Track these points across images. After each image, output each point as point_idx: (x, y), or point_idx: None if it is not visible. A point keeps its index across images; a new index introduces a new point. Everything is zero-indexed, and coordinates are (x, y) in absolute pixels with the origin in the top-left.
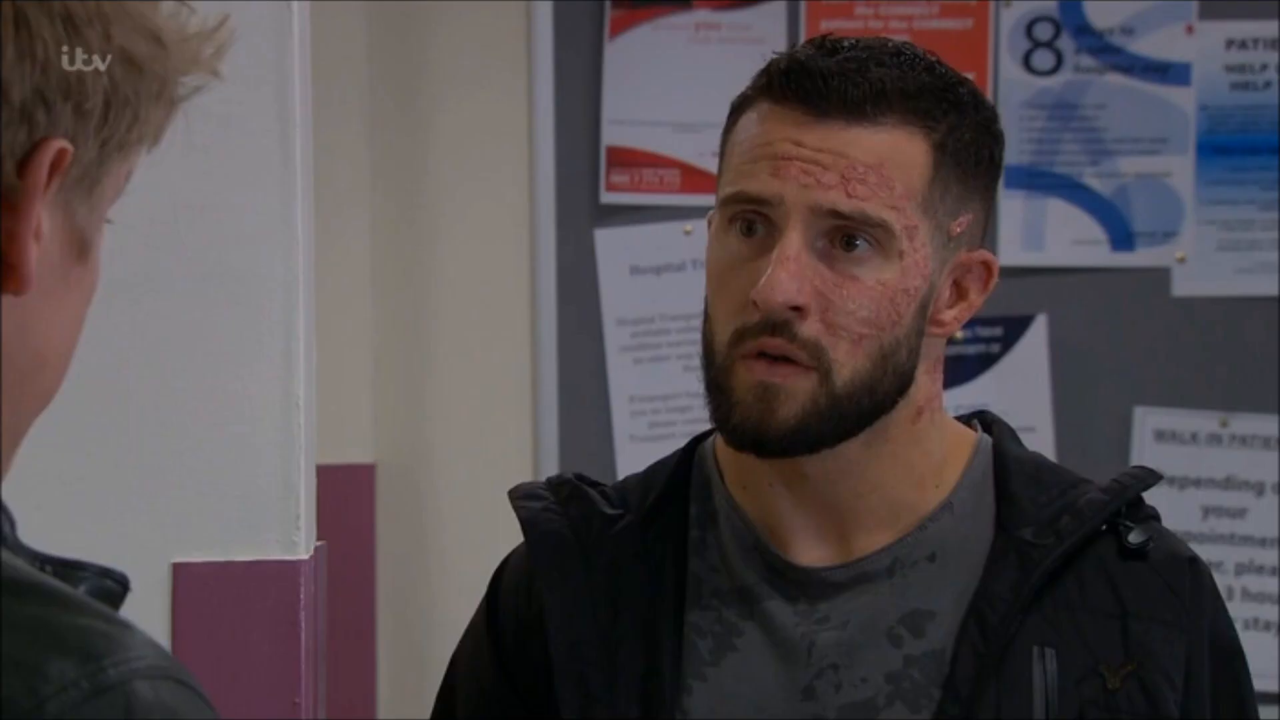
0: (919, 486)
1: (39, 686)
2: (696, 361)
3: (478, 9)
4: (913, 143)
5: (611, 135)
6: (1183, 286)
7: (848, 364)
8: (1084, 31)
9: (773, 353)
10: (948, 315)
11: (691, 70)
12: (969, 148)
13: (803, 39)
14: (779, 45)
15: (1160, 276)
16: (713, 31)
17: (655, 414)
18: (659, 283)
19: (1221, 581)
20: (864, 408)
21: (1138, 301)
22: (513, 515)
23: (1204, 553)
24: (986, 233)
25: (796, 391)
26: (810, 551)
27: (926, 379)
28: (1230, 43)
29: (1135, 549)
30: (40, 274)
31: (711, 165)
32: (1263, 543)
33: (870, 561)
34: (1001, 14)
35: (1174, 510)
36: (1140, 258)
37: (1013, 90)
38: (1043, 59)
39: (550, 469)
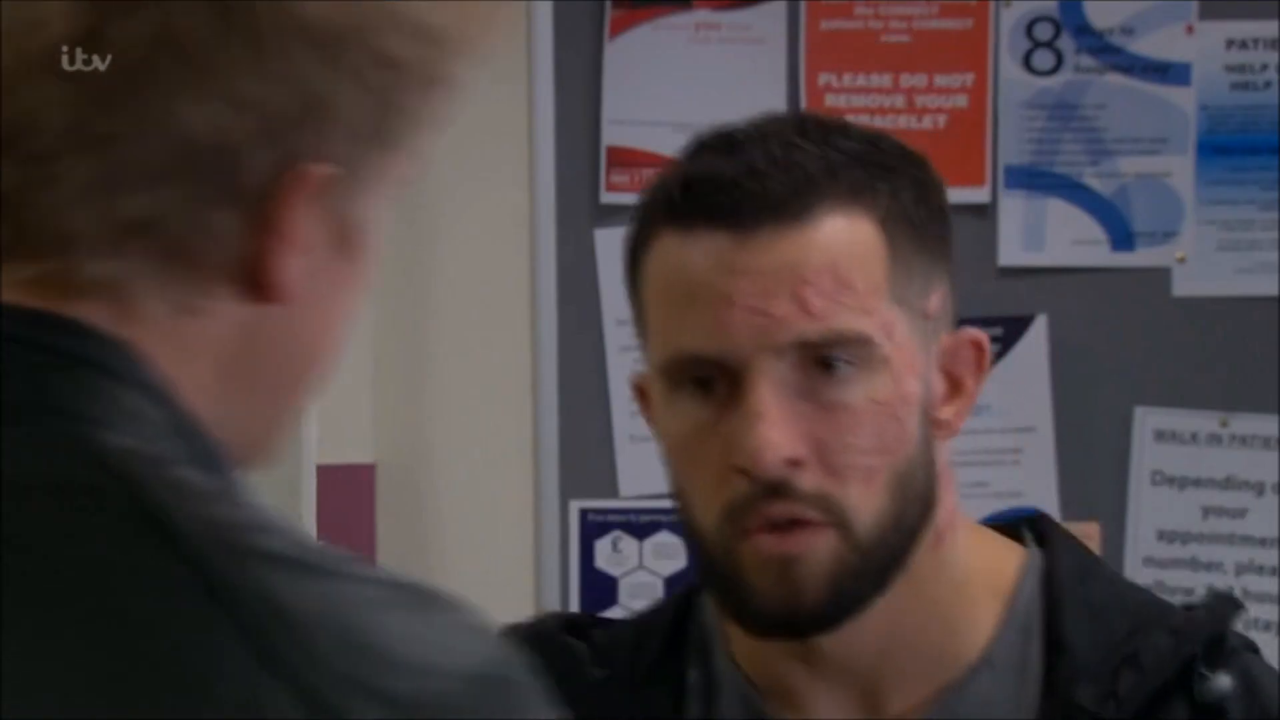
0: (952, 633)
1: None
2: None
3: (476, 9)
4: (859, 226)
5: (611, 135)
6: (1183, 286)
7: (865, 506)
8: (1084, 31)
9: (781, 520)
10: (946, 412)
11: (691, 70)
12: (916, 209)
13: (803, 39)
14: (779, 45)
15: (1160, 276)
16: (713, 31)
17: None
18: None
19: (1221, 582)
20: (896, 550)
21: (1138, 301)
22: (515, 516)
23: (1204, 553)
24: (957, 305)
25: (819, 555)
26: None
27: (940, 492)
28: (1230, 43)
29: (1211, 706)
30: (304, 281)
31: None
32: (1263, 543)
33: None
34: (1001, 14)
35: (1173, 511)
36: (1140, 258)
37: (1013, 90)
38: (1043, 59)
39: (550, 469)
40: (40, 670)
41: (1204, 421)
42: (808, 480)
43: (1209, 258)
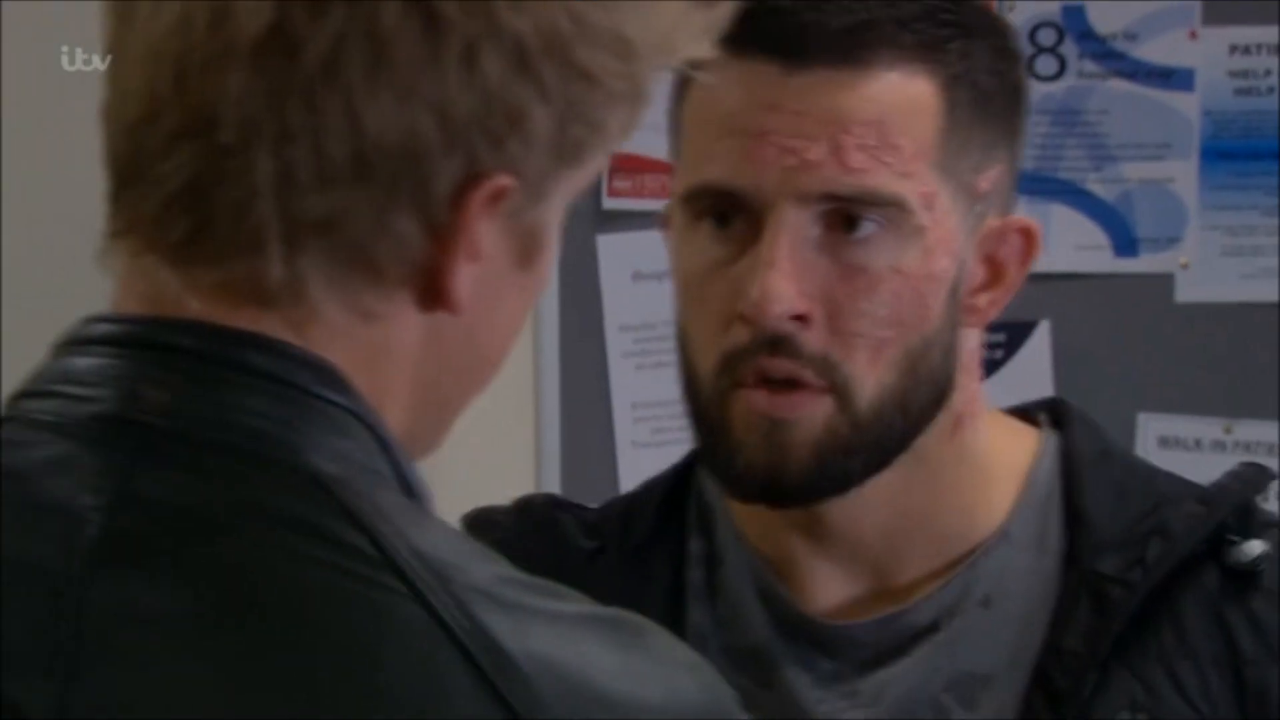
0: (966, 514)
1: None
2: None
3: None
4: (916, 84)
5: None
6: (1186, 292)
7: (869, 378)
8: (1087, 37)
9: (777, 377)
10: (982, 300)
11: None
12: (987, 79)
13: None
14: None
15: (1164, 282)
16: None
17: (658, 420)
18: (661, 288)
19: None
20: (896, 431)
21: (1141, 307)
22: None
23: None
24: (1016, 188)
25: (811, 422)
26: (834, 596)
27: (963, 379)
28: (1234, 48)
29: (1243, 571)
30: (481, 288)
31: None
32: None
33: (909, 615)
34: None
35: None
36: (1144, 264)
37: None
38: (1046, 65)
39: (552, 474)
40: (270, 700)
41: (1208, 428)
42: (812, 340)
43: (1212, 263)
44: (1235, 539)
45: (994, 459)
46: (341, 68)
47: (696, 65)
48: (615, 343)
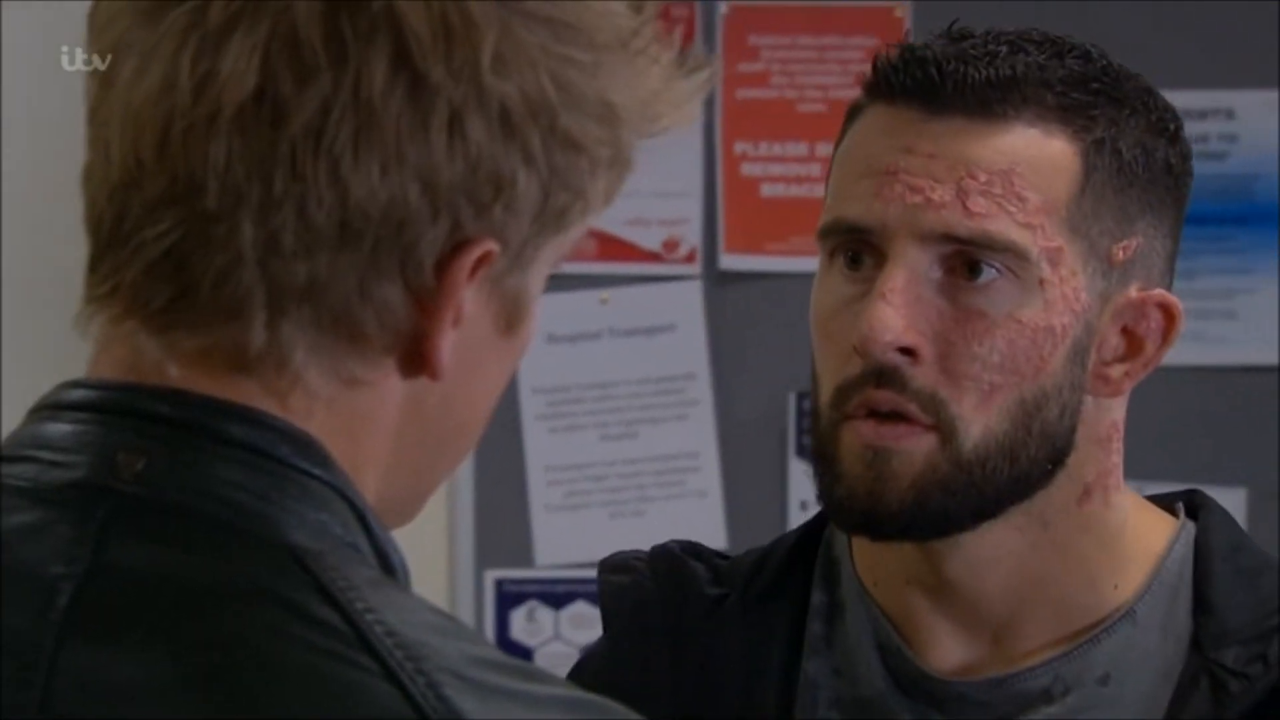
0: (1093, 587)
1: None
2: (612, 431)
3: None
4: (1053, 143)
5: None
6: None
7: (977, 422)
8: None
9: (882, 408)
10: (1117, 371)
11: None
12: (1133, 151)
13: (720, 108)
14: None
15: None
16: None
17: (572, 483)
18: (575, 351)
19: None
20: (1003, 479)
21: None
22: (430, 585)
23: None
24: (1173, 268)
25: (912, 456)
26: (951, 656)
27: (1096, 450)
28: None
29: None
30: (462, 354)
31: (630, 234)
32: None
33: (1026, 679)
34: None
35: None
36: None
37: None
38: None
39: (466, 537)
40: None
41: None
42: (921, 376)
43: None
44: None
45: (1128, 538)
46: (328, 135)
47: (855, 111)
48: (529, 405)
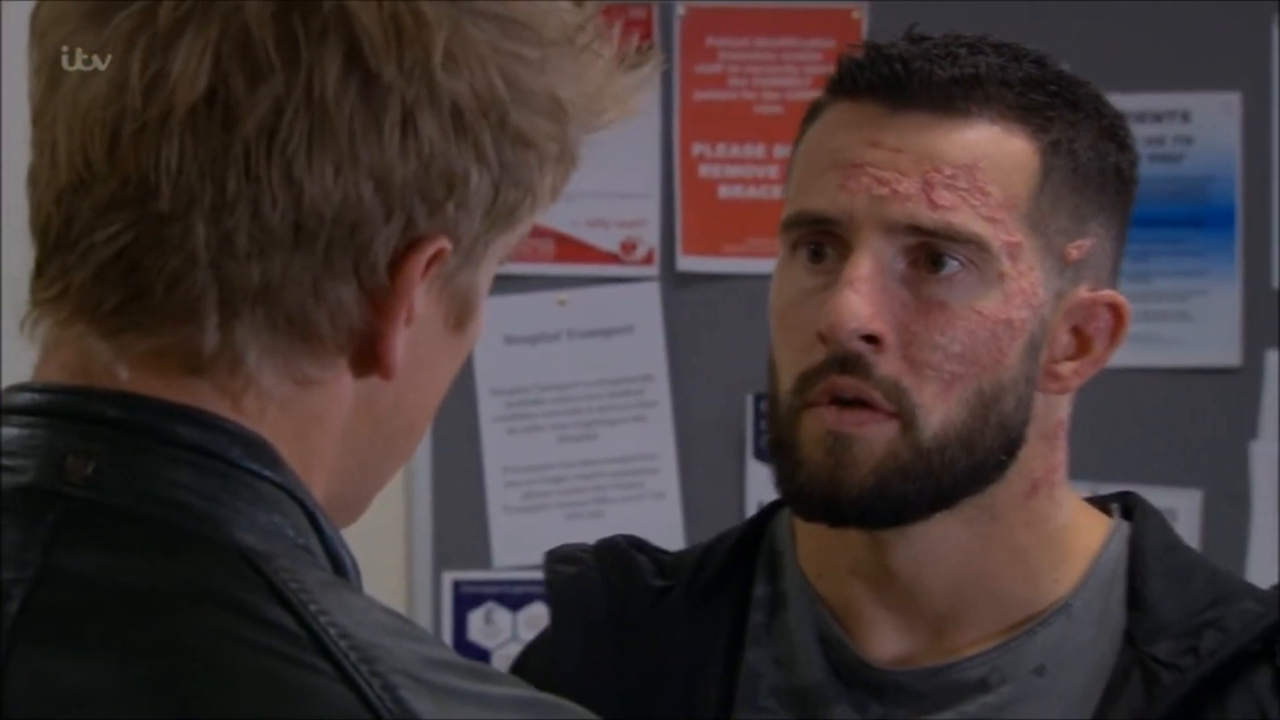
0: (1032, 580)
1: None
2: (570, 432)
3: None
4: (1014, 141)
5: None
6: None
7: (937, 410)
8: None
9: (846, 395)
10: (1066, 368)
11: None
12: (1088, 154)
13: (677, 110)
14: (653, 115)
15: None
16: None
17: (530, 485)
18: (533, 353)
19: None
20: (960, 469)
21: None
22: (387, 587)
23: None
24: (1118, 271)
25: (873, 442)
26: (891, 646)
27: (1044, 445)
28: None
29: None
30: (414, 352)
31: (588, 235)
32: None
33: (963, 669)
34: None
35: None
36: None
37: None
38: None
39: (423, 539)
40: None
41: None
42: (885, 364)
43: None
44: None
45: (1068, 534)
46: (281, 135)
47: (816, 109)
48: (487, 407)
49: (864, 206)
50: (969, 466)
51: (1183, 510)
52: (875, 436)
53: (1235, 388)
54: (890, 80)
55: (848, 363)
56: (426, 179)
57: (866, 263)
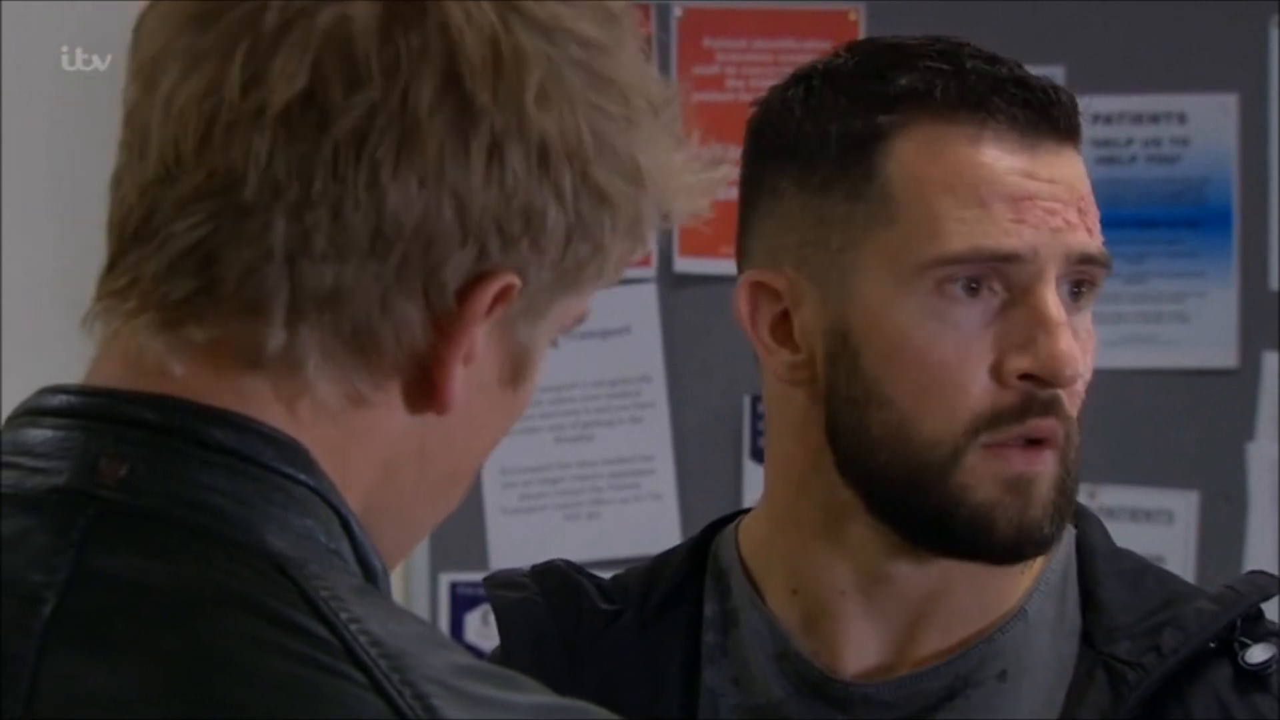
0: (990, 589)
1: None
2: (567, 433)
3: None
4: (1082, 164)
5: None
6: None
7: (1076, 439)
8: None
9: (1044, 436)
10: None
11: None
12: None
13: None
14: None
15: None
16: None
17: (526, 486)
18: None
19: None
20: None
21: None
22: (399, 580)
23: None
24: None
25: (1048, 479)
26: (860, 657)
27: None
28: (1096, 117)
29: (1254, 671)
30: (468, 395)
31: None
32: None
33: (925, 680)
34: None
35: None
36: None
37: None
38: None
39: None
40: None
41: None
42: (1067, 401)
43: None
44: (1246, 640)
45: None
46: (371, 141)
47: (893, 128)
48: None
49: (1046, 241)
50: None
51: (1180, 511)
52: (1050, 473)
53: (1232, 389)
54: (1031, 109)
55: (1051, 405)
56: (506, 210)
57: (1058, 300)
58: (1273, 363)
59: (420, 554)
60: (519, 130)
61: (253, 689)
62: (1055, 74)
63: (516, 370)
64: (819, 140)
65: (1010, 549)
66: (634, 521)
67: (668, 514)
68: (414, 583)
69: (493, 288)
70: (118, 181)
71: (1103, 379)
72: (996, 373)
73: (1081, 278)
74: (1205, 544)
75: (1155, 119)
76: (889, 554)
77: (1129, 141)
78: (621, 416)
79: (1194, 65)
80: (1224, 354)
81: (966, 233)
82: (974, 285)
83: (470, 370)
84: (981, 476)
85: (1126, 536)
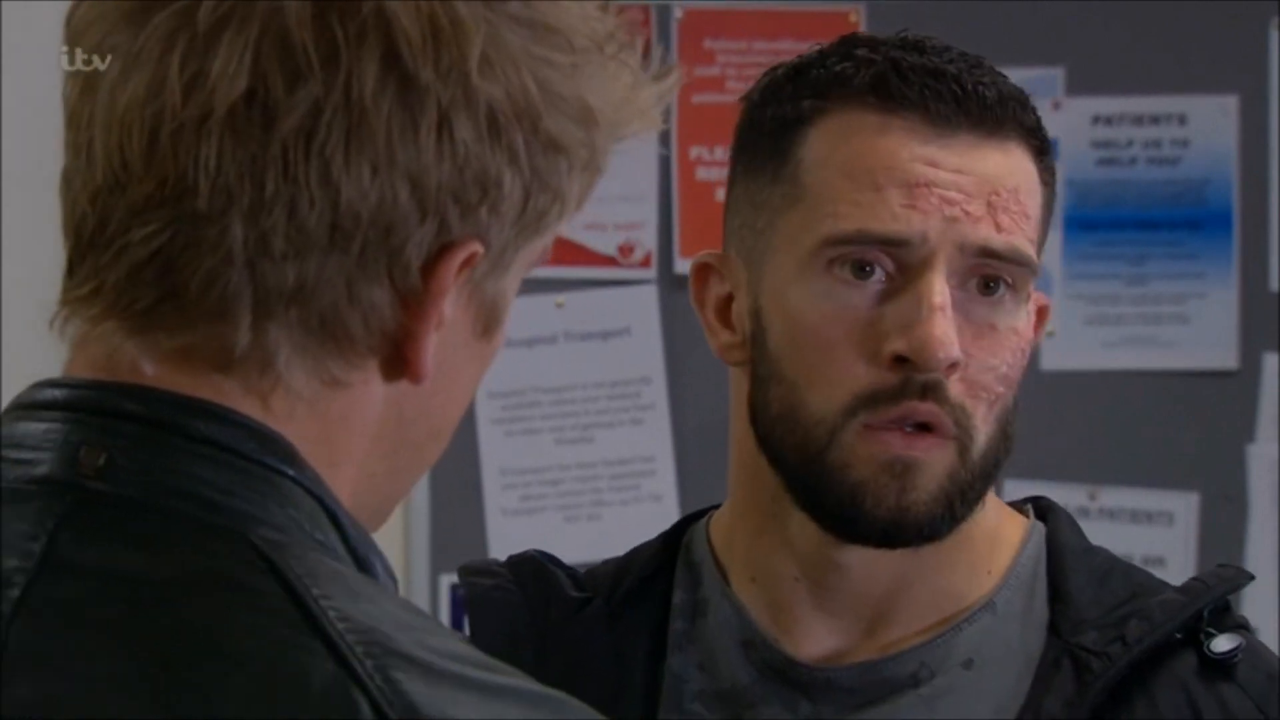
0: (962, 580)
1: None
2: (568, 435)
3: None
4: (1029, 163)
5: None
6: (1050, 361)
7: (983, 431)
8: None
9: (922, 420)
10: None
11: None
12: (1051, 165)
13: (675, 112)
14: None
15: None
16: None
17: (527, 487)
18: (530, 355)
19: None
20: (990, 482)
21: None
22: (399, 581)
23: None
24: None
25: (937, 466)
26: (823, 644)
27: None
28: (1096, 119)
29: (1219, 661)
30: (442, 357)
31: (585, 238)
32: None
33: (892, 665)
34: None
35: None
36: None
37: None
38: None
39: (421, 541)
40: None
41: (1073, 494)
42: (954, 389)
43: (1076, 332)
44: (1212, 631)
45: (986, 530)
46: (319, 136)
47: (817, 113)
48: (484, 409)
49: (938, 227)
50: (990, 479)
51: (1180, 512)
52: (939, 460)
53: (1233, 390)
54: (942, 98)
55: (929, 388)
56: (461, 182)
57: (945, 287)
58: (1273, 364)
59: (420, 555)
60: (465, 101)
61: (216, 665)
62: (1055, 75)
63: (489, 321)
64: (761, 125)
65: (885, 531)
66: (634, 523)
67: (668, 515)
68: (414, 583)
69: (457, 258)
70: (67, 183)
71: (1103, 380)
72: (875, 355)
73: (988, 272)
74: (1205, 545)
75: (1156, 120)
76: (831, 542)
77: (1129, 143)
78: (622, 418)
79: (1194, 66)
80: (1224, 355)
81: (858, 215)
82: (865, 268)
83: (443, 334)
84: (859, 456)
85: (1127, 538)
